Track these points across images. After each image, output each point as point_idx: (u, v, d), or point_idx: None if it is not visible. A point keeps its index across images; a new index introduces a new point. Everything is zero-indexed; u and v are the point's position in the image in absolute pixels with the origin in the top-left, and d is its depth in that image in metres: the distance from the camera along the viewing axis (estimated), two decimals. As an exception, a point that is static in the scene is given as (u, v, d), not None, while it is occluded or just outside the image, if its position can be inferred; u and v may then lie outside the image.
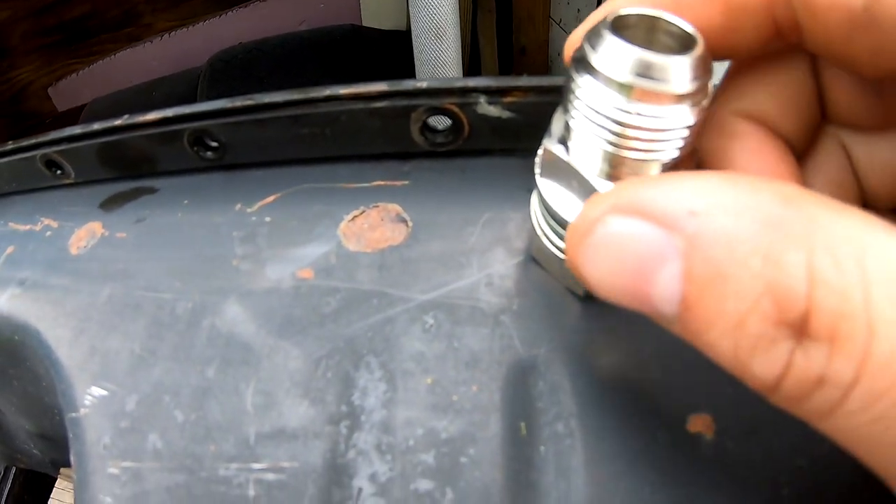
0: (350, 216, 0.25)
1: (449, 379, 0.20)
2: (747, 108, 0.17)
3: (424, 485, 0.18)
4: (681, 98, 0.14)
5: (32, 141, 0.29)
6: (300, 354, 0.21)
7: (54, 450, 0.37)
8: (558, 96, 0.23)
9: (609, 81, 0.14)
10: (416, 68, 0.68)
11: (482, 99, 0.23)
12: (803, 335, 0.11)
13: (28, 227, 0.30)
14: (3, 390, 0.33)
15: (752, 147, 0.17)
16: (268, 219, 0.25)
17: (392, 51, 1.03)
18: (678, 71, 0.13)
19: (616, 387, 0.20)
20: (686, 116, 0.14)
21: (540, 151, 0.18)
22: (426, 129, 0.25)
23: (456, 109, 0.24)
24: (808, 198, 0.11)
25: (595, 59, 0.14)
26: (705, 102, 0.14)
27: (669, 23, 0.15)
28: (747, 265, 0.11)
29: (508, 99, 0.23)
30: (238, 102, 0.25)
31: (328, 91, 0.24)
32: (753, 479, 0.17)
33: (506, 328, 0.21)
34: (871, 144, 0.17)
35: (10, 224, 0.31)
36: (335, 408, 0.20)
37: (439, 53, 0.63)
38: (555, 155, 0.17)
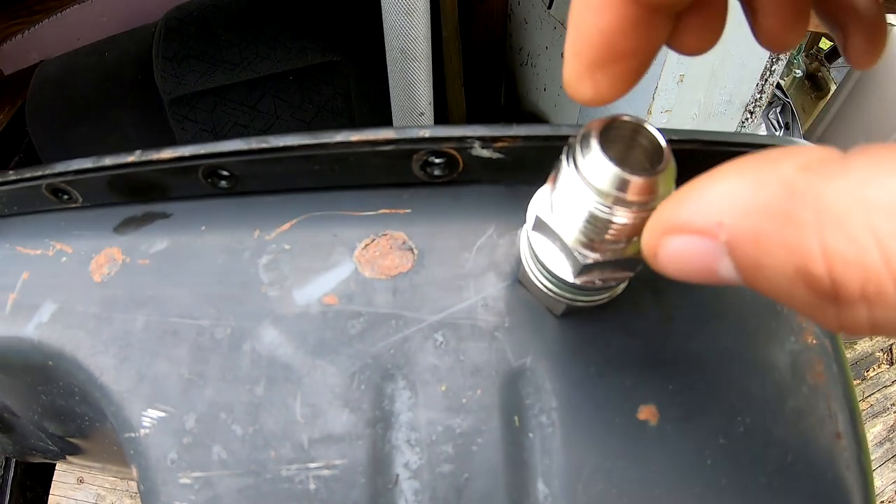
0: (362, 244, 0.28)
1: (458, 385, 0.25)
2: None
3: (447, 468, 0.24)
4: (643, 202, 0.18)
5: (38, 172, 0.30)
6: (336, 371, 0.25)
7: (73, 446, 0.40)
8: (539, 142, 0.27)
9: (591, 186, 0.18)
10: (391, 88, 0.70)
11: (477, 144, 0.27)
12: (840, 302, 0.12)
13: (39, 251, 0.32)
14: (28, 401, 0.35)
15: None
16: (287, 246, 0.29)
17: (350, 3, 0.99)
18: (646, 187, 0.18)
19: (584, 385, 0.26)
20: (646, 214, 0.19)
21: (530, 214, 0.23)
22: (425, 164, 0.28)
23: (454, 152, 0.27)
24: (808, 178, 0.13)
25: (582, 164, 0.19)
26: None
27: (650, 132, 0.19)
28: (776, 257, 0.13)
29: (498, 144, 0.27)
30: (253, 144, 0.27)
31: (339, 137, 0.26)
32: (686, 454, 0.24)
33: (500, 342, 0.26)
34: None
35: (18, 248, 0.32)
36: (371, 413, 0.25)
37: (410, 72, 0.65)
38: (543, 221, 0.22)
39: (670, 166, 0.19)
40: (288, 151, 0.27)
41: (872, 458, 1.54)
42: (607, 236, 0.20)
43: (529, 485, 0.24)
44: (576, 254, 0.21)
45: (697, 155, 0.26)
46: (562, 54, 0.20)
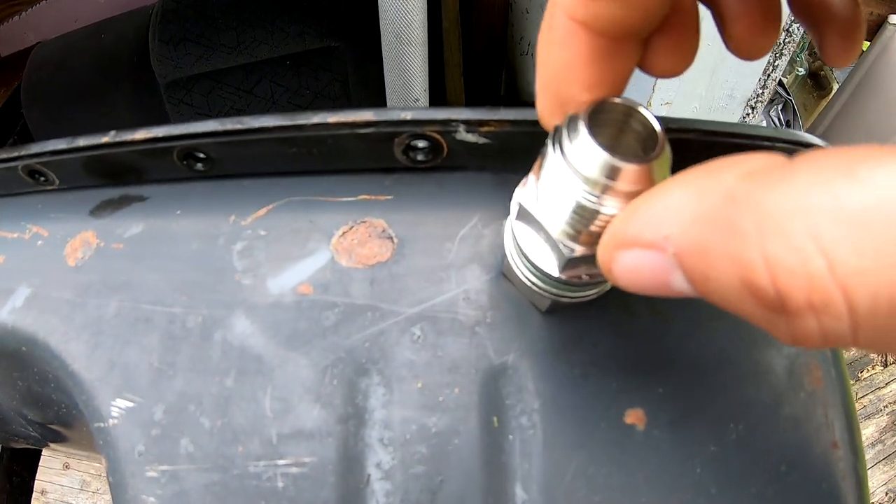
0: (340, 232, 0.27)
1: (435, 383, 0.24)
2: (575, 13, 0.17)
3: (420, 469, 0.23)
4: (635, 193, 0.17)
5: (14, 153, 0.29)
6: (308, 364, 0.24)
7: (55, 433, 0.40)
8: (528, 127, 0.25)
9: (578, 173, 0.17)
10: (386, 73, 0.69)
11: (461, 128, 0.25)
12: (789, 313, 0.12)
13: (16, 234, 0.31)
14: (6, 388, 0.34)
15: (574, 45, 0.18)
16: (262, 232, 0.28)
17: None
18: (638, 175, 0.17)
19: (568, 386, 0.24)
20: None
21: (514, 203, 0.22)
22: (408, 149, 0.27)
23: (437, 136, 0.26)
24: (749, 187, 0.12)
25: (569, 149, 0.17)
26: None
27: (643, 116, 0.18)
28: (721, 269, 0.13)
29: (485, 129, 0.25)
30: (228, 125, 0.26)
31: (316, 118, 0.25)
32: (674, 461, 0.23)
33: (480, 338, 0.25)
34: None
35: (-6, 229, 0.32)
36: (343, 409, 0.24)
37: (406, 57, 0.64)
38: (527, 211, 0.20)
39: (665, 153, 0.17)
40: (264, 133, 0.26)
41: (872, 459, 1.52)
42: (595, 228, 0.19)
43: (507, 489, 0.23)
44: (561, 246, 0.20)
45: (696, 146, 0.25)
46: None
